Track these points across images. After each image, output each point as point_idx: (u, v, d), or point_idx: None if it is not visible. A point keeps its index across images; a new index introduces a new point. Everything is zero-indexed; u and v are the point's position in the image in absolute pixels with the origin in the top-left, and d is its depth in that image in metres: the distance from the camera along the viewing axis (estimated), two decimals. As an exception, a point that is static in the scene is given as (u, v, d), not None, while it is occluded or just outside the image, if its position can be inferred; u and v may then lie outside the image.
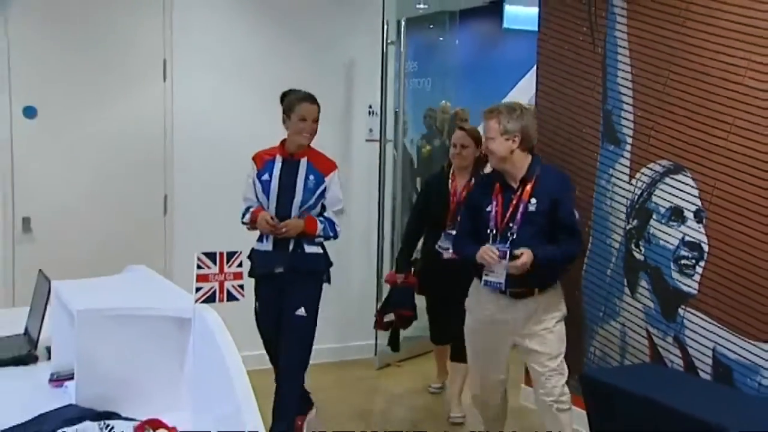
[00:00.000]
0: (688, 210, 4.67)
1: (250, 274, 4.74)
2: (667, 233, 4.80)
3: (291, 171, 4.90)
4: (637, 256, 4.99)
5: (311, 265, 4.96)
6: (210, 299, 2.51)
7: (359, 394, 6.50)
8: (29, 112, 5.88)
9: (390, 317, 5.99)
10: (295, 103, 4.87)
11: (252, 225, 4.91)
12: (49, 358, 3.12)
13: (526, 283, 4.39)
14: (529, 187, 4.37)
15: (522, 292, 4.44)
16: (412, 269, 5.96)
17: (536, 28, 5.76)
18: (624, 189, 5.09)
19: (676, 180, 4.75)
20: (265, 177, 4.89)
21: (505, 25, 9.34)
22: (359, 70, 6.73)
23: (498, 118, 4.32)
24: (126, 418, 2.52)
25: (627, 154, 5.08)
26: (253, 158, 4.99)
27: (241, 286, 2.58)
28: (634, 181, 5.04)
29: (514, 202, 4.39)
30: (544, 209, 4.35)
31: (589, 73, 5.30)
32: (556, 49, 5.56)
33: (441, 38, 8.53)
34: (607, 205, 5.20)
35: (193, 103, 6.29)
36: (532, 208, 4.35)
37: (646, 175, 4.97)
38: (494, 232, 4.42)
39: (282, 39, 6.50)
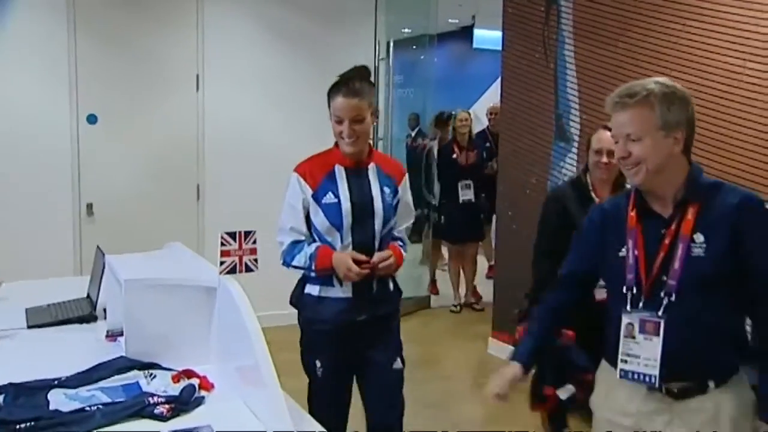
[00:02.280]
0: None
1: (307, 325, 3.13)
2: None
3: (361, 184, 3.03)
4: (583, 232, 4.92)
5: (394, 305, 3.22)
6: (232, 271, 2.43)
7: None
8: (91, 119, 5.82)
9: (568, 391, 3.24)
10: (330, 98, 3.04)
11: (322, 272, 2.98)
12: (105, 317, 3.08)
13: (694, 371, 2.16)
14: (690, 214, 2.13)
15: (687, 387, 2.17)
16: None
17: (500, 48, 5.71)
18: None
19: (614, 170, 4.70)
20: (330, 198, 2.98)
21: (475, 45, 9.28)
22: None
23: (650, 104, 2.10)
24: (165, 368, 2.50)
25: (574, 149, 5.06)
26: (300, 174, 3.06)
27: (256, 260, 2.51)
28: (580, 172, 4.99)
29: (668, 240, 2.15)
30: (718, 251, 2.09)
31: (544, 84, 5.27)
32: (517, 64, 5.52)
33: (422, 56, 8.51)
34: (559, 191, 5.14)
35: (220, 109, 6.21)
36: (698, 250, 2.11)
37: (590, 166, 4.90)
38: (635, 291, 2.19)
39: (294, 55, 6.43)
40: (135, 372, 2.46)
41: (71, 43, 5.68)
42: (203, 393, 2.32)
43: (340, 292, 3.00)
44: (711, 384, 2.15)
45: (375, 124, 3.18)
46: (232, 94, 6.23)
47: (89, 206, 5.85)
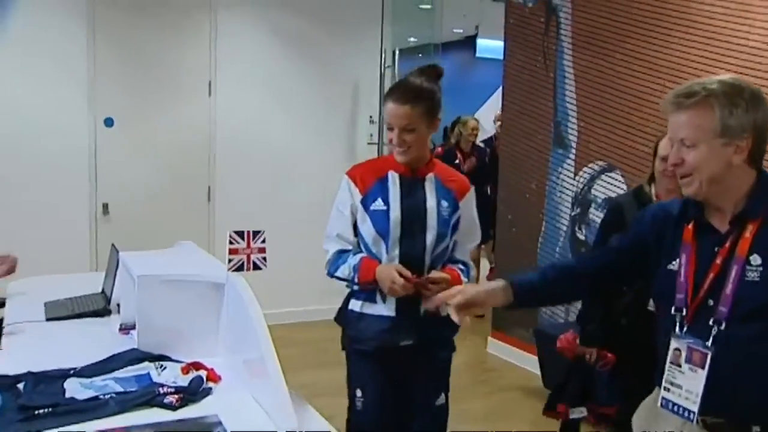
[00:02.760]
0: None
1: (348, 346, 2.79)
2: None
3: (415, 194, 2.67)
4: (580, 236, 4.98)
5: (446, 332, 2.73)
6: (240, 268, 2.44)
7: None
8: (108, 122, 5.86)
9: (580, 413, 3.26)
10: (384, 101, 2.71)
11: (365, 285, 2.64)
12: (119, 311, 3.09)
13: (737, 410, 1.83)
14: (749, 232, 1.81)
15: (726, 426, 1.84)
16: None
17: (502, 57, 5.72)
18: (570, 183, 5.08)
19: (609, 176, 4.77)
20: (378, 204, 2.65)
21: (478, 54, 9.29)
22: (362, 88, 6.65)
23: (710, 106, 1.78)
24: (175, 360, 2.52)
25: (572, 156, 5.06)
26: (350, 177, 2.72)
27: (265, 258, 2.53)
28: (577, 178, 5.03)
29: (719, 260, 1.83)
30: None
31: (543, 92, 5.28)
32: (518, 73, 5.53)
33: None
34: (557, 196, 5.17)
35: (232, 113, 6.24)
36: (753, 274, 1.78)
37: (587, 172, 4.96)
38: (684, 312, 1.88)
39: (303, 62, 6.45)
40: (146, 363, 2.48)
41: (90, 51, 5.73)
42: (211, 384, 2.33)
43: (383, 309, 2.64)
44: (756, 429, 1.80)
45: (434, 131, 2.74)
46: (242, 100, 6.25)
47: (105, 206, 5.89)
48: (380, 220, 2.62)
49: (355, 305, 2.72)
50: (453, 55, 9.26)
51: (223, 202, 6.22)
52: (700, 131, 1.78)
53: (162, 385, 2.27)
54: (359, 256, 2.65)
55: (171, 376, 2.36)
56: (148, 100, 5.96)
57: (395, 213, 2.61)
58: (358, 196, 2.67)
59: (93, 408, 2.10)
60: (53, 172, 5.65)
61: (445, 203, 2.67)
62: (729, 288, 1.79)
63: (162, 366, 2.46)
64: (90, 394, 2.20)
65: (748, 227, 1.80)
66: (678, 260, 1.90)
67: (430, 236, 2.63)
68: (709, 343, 1.81)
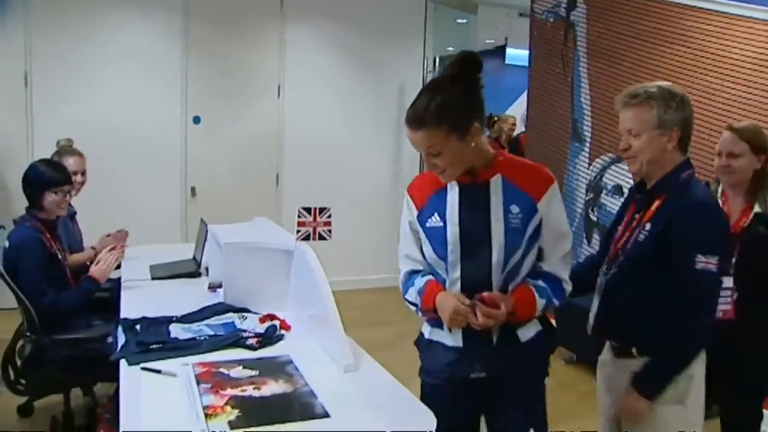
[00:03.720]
0: (626, 187, 4.66)
1: (420, 373, 2.11)
2: (612, 202, 4.78)
3: (477, 203, 1.94)
4: (593, 218, 4.98)
5: (531, 364, 2.02)
6: (306, 238, 2.52)
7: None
8: (196, 120, 6.01)
9: None
10: None
11: (428, 314, 2.01)
12: (207, 273, 3.23)
13: (619, 333, 2.14)
14: (654, 206, 2.02)
15: (618, 346, 2.15)
16: None
17: (527, 64, 5.72)
18: (584, 172, 5.08)
19: (618, 167, 4.75)
20: (434, 221, 1.98)
21: (507, 61, 9.24)
22: (407, 90, 6.65)
23: (650, 105, 2.00)
24: (254, 312, 2.62)
25: (587, 149, 5.06)
26: (408, 191, 2.08)
27: (330, 231, 2.60)
28: (591, 167, 5.02)
29: (634, 223, 2.08)
30: (650, 240, 1.99)
31: (562, 94, 5.27)
32: (540, 78, 5.53)
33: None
34: (573, 183, 5.18)
35: (296, 111, 6.32)
36: (642, 236, 2.02)
37: (599, 163, 4.95)
38: (606, 260, 2.16)
39: (357, 68, 6.49)
40: (231, 314, 2.60)
41: (183, 60, 5.90)
42: (283, 332, 2.43)
43: (449, 338, 1.98)
44: (634, 350, 2.06)
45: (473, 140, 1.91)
46: (306, 100, 6.32)
47: (193, 189, 6.05)
48: (437, 239, 1.95)
49: (425, 330, 2.08)
50: (485, 62, 9.24)
51: (289, 185, 6.32)
52: (642, 124, 2.01)
53: (244, 331, 2.40)
54: (425, 278, 2.00)
55: (251, 324, 2.49)
56: (228, 100, 6.09)
57: (453, 230, 1.92)
58: (415, 212, 2.01)
59: (192, 346, 2.26)
60: (152, 160, 5.84)
61: (515, 209, 1.90)
62: (629, 244, 2.06)
63: (243, 316, 2.58)
64: (189, 335, 2.36)
65: (655, 202, 2.03)
66: (622, 221, 2.16)
67: (497, 253, 1.88)
68: (604, 280, 2.12)
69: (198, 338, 2.35)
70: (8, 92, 5.34)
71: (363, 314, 5.19)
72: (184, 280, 3.32)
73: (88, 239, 4.04)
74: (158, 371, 2.05)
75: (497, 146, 2.28)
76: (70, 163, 3.69)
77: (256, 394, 1.90)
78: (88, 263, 3.47)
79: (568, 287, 1.97)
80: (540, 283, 1.94)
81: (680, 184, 2.01)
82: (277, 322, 2.49)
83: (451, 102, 1.84)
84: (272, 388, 1.94)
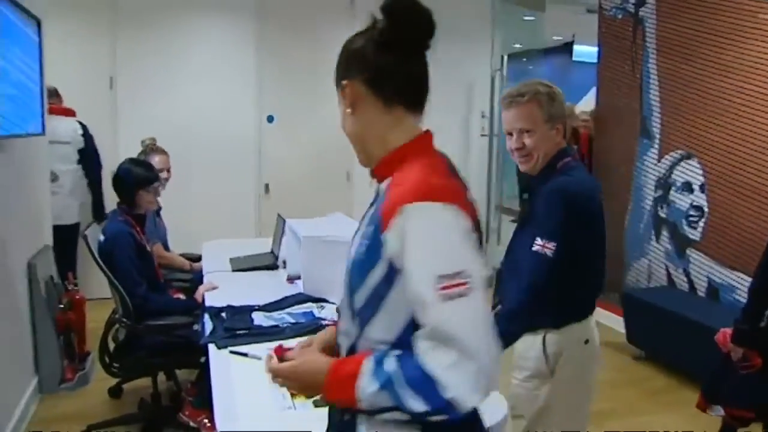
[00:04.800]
0: (695, 184, 4.63)
1: None
2: (681, 199, 4.76)
3: (365, 217, 1.30)
4: (661, 215, 4.95)
5: None
6: None
7: None
8: (270, 119, 6.20)
9: (716, 411, 2.69)
10: None
11: None
12: (285, 266, 3.38)
13: None
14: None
15: None
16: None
17: (596, 61, 5.71)
18: (653, 169, 5.06)
19: (688, 163, 4.72)
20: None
21: (574, 58, 9.16)
22: (476, 88, 6.71)
23: (539, 102, 2.05)
24: (331, 302, 2.76)
25: (656, 145, 5.03)
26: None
27: None
28: (660, 164, 4.99)
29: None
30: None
31: (631, 91, 5.24)
32: (609, 74, 5.50)
33: (531, 67, 8.49)
34: (642, 180, 5.16)
35: None
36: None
37: (668, 159, 4.92)
38: None
39: (431, 67, 6.59)
40: (309, 304, 2.77)
41: (257, 62, 6.10)
42: None
43: None
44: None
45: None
46: None
47: (266, 186, 6.24)
48: None
49: None
50: (553, 58, 9.17)
51: (360, 182, 6.36)
52: (534, 121, 2.03)
53: (323, 319, 2.55)
54: None
55: (329, 313, 2.64)
56: (300, 100, 6.25)
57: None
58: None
59: (275, 332, 2.42)
60: (228, 158, 6.06)
61: (369, 231, 1.24)
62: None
63: (322, 306, 2.74)
64: (271, 323, 2.53)
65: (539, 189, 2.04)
66: None
67: (345, 291, 1.28)
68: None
69: (281, 325, 2.51)
70: (95, 95, 5.65)
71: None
72: (263, 272, 3.49)
73: (172, 233, 4.27)
74: (245, 354, 2.21)
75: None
76: (156, 161, 3.91)
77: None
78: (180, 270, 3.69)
79: (451, 393, 1.07)
80: (389, 359, 1.14)
81: (557, 173, 2.05)
82: (353, 312, 2.62)
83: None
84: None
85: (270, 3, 6.12)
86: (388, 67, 1.28)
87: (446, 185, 1.20)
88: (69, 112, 5.00)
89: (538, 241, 1.93)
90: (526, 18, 7.75)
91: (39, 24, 3.41)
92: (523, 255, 1.97)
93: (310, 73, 6.25)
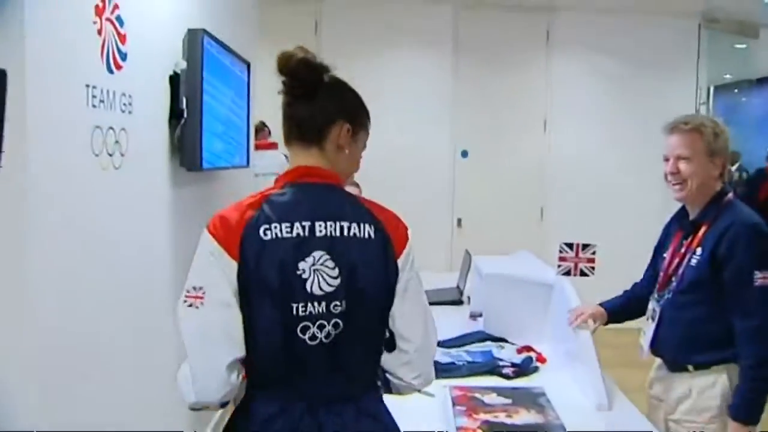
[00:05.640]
0: None
1: None
2: None
3: None
4: None
5: None
6: (567, 273, 2.53)
7: None
8: (464, 154, 6.26)
9: None
10: None
11: None
12: (469, 302, 3.31)
13: (672, 351, 2.18)
14: (701, 232, 2.10)
15: (671, 362, 2.20)
16: None
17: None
18: None
19: None
20: None
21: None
22: None
23: (701, 133, 2.09)
24: (511, 343, 2.66)
25: None
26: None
27: (592, 268, 2.55)
28: None
29: (683, 250, 2.15)
30: (703, 264, 2.05)
31: None
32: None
33: (743, 98, 7.80)
34: None
35: (563, 146, 6.26)
36: (694, 260, 2.08)
37: None
38: (657, 286, 2.25)
39: (625, 101, 6.21)
40: (489, 342, 2.67)
41: (452, 95, 6.19)
42: (538, 364, 2.45)
43: None
44: (690, 367, 2.11)
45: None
46: (572, 134, 6.24)
47: (459, 220, 6.27)
48: None
49: None
50: (765, 89, 8.38)
51: (553, 220, 6.23)
52: (694, 149, 2.08)
53: (501, 360, 2.46)
54: None
55: (508, 354, 2.53)
56: (494, 135, 6.24)
57: None
58: None
59: (451, 369, 2.37)
60: (422, 191, 6.13)
61: None
62: (680, 269, 2.13)
63: (501, 346, 2.63)
64: (449, 359, 2.47)
65: (702, 228, 2.10)
66: (667, 251, 2.23)
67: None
68: (659, 305, 2.18)
69: (457, 363, 2.46)
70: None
71: (618, 354, 4.92)
72: (447, 307, 3.40)
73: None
74: (418, 390, 2.16)
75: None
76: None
77: (508, 421, 1.94)
78: None
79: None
80: None
81: (724, 208, 2.09)
82: (533, 354, 2.52)
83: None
84: (524, 417, 1.97)
85: (467, 37, 6.21)
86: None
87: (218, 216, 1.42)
88: (273, 146, 5.35)
89: (758, 274, 1.96)
90: (737, 45, 7.14)
91: (248, 66, 3.68)
92: (743, 295, 1.97)
93: (505, 107, 6.27)
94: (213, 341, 1.36)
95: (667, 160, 2.15)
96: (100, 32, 2.06)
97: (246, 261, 1.36)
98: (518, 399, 2.10)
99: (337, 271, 1.41)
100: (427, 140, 6.19)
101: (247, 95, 3.68)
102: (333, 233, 1.42)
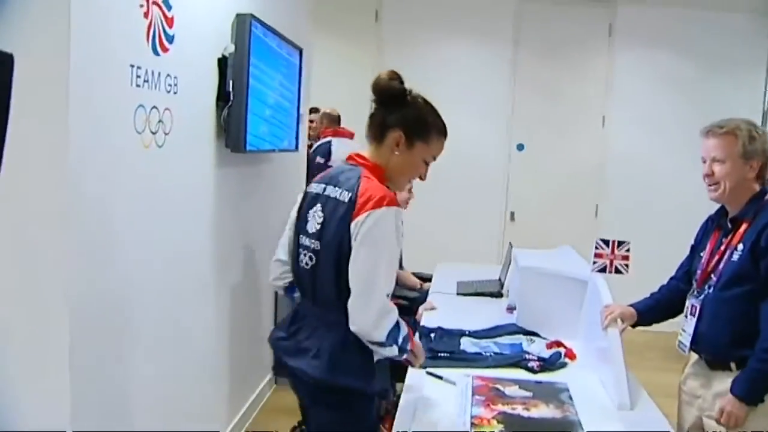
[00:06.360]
0: None
1: None
2: None
3: None
4: None
5: None
6: (602, 270, 2.44)
7: None
8: (520, 147, 6.19)
9: None
10: None
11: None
12: (508, 295, 3.29)
13: (714, 348, 2.20)
14: (742, 229, 2.14)
15: (713, 360, 2.22)
16: None
17: None
18: None
19: None
20: None
21: None
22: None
23: (735, 136, 2.14)
24: (542, 337, 2.64)
25: None
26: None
27: (627, 265, 2.51)
28: None
29: (723, 247, 2.18)
30: (744, 259, 2.08)
31: None
32: None
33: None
34: None
35: (621, 144, 6.12)
36: (735, 255, 2.11)
37: None
38: (695, 284, 2.27)
39: (687, 101, 5.96)
40: (520, 336, 2.66)
41: (511, 88, 6.13)
42: (567, 360, 2.42)
43: None
44: (733, 365, 2.13)
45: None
46: (631, 133, 6.10)
47: (512, 214, 6.21)
48: None
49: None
50: None
51: (607, 217, 6.14)
52: (728, 152, 2.15)
53: (529, 353, 2.44)
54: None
55: (537, 348, 2.52)
56: (551, 129, 6.15)
57: None
58: None
59: (477, 359, 2.38)
60: (477, 183, 6.13)
61: None
62: (721, 265, 2.16)
63: (532, 339, 2.62)
64: (476, 350, 2.49)
65: (742, 226, 2.14)
66: (705, 250, 2.26)
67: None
68: (699, 300, 2.20)
69: (484, 353, 2.46)
70: (358, 118, 6.02)
71: (657, 356, 4.81)
72: (487, 299, 3.45)
73: (416, 252, 4.35)
74: (440, 377, 2.19)
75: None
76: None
77: (524, 413, 1.94)
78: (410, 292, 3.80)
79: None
80: None
81: (764, 206, 2.13)
82: (562, 350, 2.49)
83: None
84: (542, 411, 1.96)
85: (528, 29, 6.13)
86: None
87: None
88: (348, 134, 5.38)
89: None
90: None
91: (301, 52, 3.73)
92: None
93: (563, 102, 6.18)
94: (280, 244, 2.10)
95: (704, 162, 2.23)
96: (146, 15, 2.13)
97: (300, 205, 2.03)
98: (539, 393, 2.09)
99: (322, 219, 1.90)
100: (484, 132, 6.15)
101: (298, 81, 3.73)
102: (330, 194, 1.91)
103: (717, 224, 2.28)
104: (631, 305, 2.39)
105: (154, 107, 2.22)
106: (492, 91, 6.14)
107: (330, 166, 2.58)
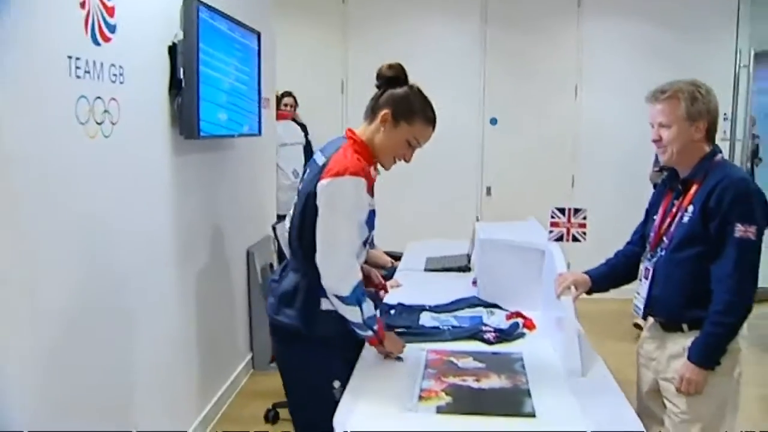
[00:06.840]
0: None
1: None
2: None
3: None
4: None
5: None
6: (559, 239, 2.45)
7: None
8: (493, 121, 6.22)
9: None
10: None
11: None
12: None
13: (667, 310, 2.23)
14: (692, 190, 2.14)
15: (666, 322, 2.25)
16: None
17: None
18: None
19: None
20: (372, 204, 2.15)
21: None
22: (715, 88, 5.99)
23: (677, 99, 2.13)
24: (503, 309, 2.65)
25: None
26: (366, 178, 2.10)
27: (584, 233, 2.52)
28: None
29: (675, 209, 2.19)
30: (695, 220, 2.09)
31: None
32: None
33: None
34: None
35: (594, 113, 6.14)
36: (686, 217, 2.13)
37: None
38: (648, 247, 2.30)
39: (658, 67, 5.84)
40: (480, 308, 2.67)
41: (481, 63, 6.15)
42: (525, 330, 2.43)
43: None
44: (685, 326, 2.17)
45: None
46: (604, 101, 6.11)
47: (488, 189, 6.24)
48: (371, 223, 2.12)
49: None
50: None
51: (583, 188, 6.18)
52: (672, 116, 2.14)
53: (486, 325, 2.45)
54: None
55: (497, 320, 2.52)
56: (523, 102, 6.16)
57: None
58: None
59: (434, 334, 2.39)
60: (452, 160, 6.13)
61: None
62: (673, 227, 2.18)
63: (492, 312, 2.63)
64: (435, 324, 2.49)
65: (693, 187, 2.15)
66: (658, 213, 2.28)
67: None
68: (652, 263, 2.23)
69: (441, 327, 2.46)
70: (328, 99, 6.08)
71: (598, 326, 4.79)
72: (455, 274, 3.45)
73: (390, 231, 4.35)
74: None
75: None
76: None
77: (474, 385, 1.95)
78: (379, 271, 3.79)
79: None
80: None
81: (713, 167, 2.13)
82: (521, 320, 2.50)
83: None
84: (492, 382, 1.98)
85: (496, 4, 6.13)
86: None
87: None
88: (284, 116, 5.39)
89: (739, 226, 2.02)
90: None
91: (259, 36, 3.71)
92: (725, 245, 2.04)
93: (534, 75, 6.19)
94: None
95: (653, 127, 2.23)
96: (83, 5, 2.11)
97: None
98: (493, 364, 2.10)
99: (303, 177, 2.16)
100: (456, 109, 6.09)
101: (258, 65, 3.71)
102: (316, 159, 2.12)
103: (669, 186, 2.29)
104: (586, 272, 2.38)
105: (98, 97, 2.21)
106: (462, 67, 6.14)
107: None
